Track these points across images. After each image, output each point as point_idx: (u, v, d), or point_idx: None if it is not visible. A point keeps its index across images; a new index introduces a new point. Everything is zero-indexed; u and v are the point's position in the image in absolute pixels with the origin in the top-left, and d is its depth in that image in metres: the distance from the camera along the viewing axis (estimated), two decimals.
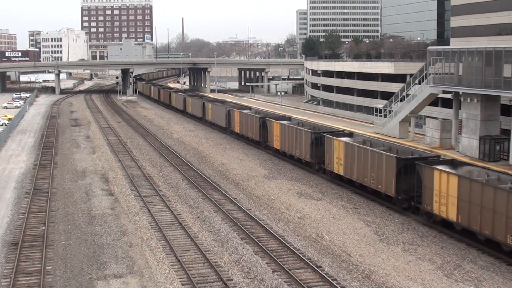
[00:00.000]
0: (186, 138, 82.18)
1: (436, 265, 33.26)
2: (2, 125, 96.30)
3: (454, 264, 33.46)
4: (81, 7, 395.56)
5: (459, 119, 58.68)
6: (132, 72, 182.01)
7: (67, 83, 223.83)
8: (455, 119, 59.81)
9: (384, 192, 44.77)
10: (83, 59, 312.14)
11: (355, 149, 48.73)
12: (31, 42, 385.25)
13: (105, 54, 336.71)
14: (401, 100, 66.46)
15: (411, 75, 71.32)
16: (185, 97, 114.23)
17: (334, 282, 30.64)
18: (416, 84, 64.13)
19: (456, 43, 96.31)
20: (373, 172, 45.97)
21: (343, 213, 43.82)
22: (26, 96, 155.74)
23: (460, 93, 57.29)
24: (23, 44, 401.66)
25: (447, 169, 39.16)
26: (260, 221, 41.50)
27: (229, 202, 47.21)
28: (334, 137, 53.06)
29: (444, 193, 37.73)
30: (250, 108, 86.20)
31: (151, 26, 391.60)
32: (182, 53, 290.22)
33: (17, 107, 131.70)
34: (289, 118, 71.00)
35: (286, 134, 62.61)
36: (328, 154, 53.52)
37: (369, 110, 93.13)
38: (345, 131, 59.28)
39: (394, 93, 71.00)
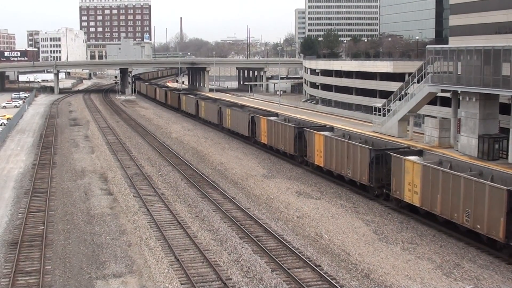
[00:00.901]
0: (185, 138, 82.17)
1: (435, 264, 33.27)
2: (1, 125, 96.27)
3: (453, 263, 33.48)
4: (80, 7, 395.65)
5: (458, 118, 58.75)
6: (130, 72, 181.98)
7: (66, 83, 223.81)
8: (454, 118, 59.87)
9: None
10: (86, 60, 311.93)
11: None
12: (30, 42, 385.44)
13: (104, 54, 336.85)
14: (399, 99, 66.54)
15: (409, 74, 71.35)
16: (197, 100, 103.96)
17: (333, 281, 30.64)
18: (415, 83, 64.20)
19: (454, 42, 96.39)
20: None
21: (342, 212, 43.83)
22: (25, 96, 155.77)
23: (459, 92, 57.36)
24: (21, 43, 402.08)
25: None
26: (259, 220, 41.50)
27: (228, 201, 47.20)
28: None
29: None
30: (277, 115, 76.51)
31: (149, 26, 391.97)
32: (180, 53, 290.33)
33: (16, 106, 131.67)
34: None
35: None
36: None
37: (368, 109, 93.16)
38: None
39: (393, 92, 71.08)
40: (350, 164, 48.86)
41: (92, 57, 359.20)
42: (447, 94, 61.66)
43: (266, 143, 68.09)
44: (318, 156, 54.76)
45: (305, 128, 58.86)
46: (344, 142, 50.58)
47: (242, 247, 36.11)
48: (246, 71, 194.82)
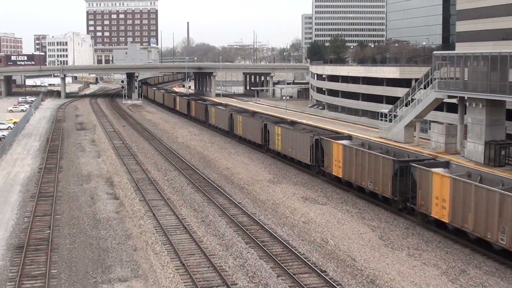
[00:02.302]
0: (191, 142, 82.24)
1: (441, 270, 33.19)
2: (7, 129, 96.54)
3: (459, 269, 33.40)
4: (87, 11, 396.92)
5: (464, 124, 58.56)
6: (137, 76, 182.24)
7: (73, 87, 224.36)
8: (460, 124, 59.69)
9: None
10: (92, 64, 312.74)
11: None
12: (37, 46, 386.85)
13: (111, 58, 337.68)
14: (406, 105, 66.36)
15: (416, 79, 71.21)
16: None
17: (338, 287, 30.60)
18: (421, 88, 63.99)
19: (461, 48, 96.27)
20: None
21: (348, 218, 43.78)
22: (32, 100, 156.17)
23: (465, 98, 57.17)
24: (28, 48, 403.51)
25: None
26: (264, 226, 41.49)
27: (233, 207, 47.21)
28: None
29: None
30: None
31: (156, 31, 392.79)
32: (187, 58, 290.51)
33: (22, 110, 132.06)
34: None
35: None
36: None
37: (374, 115, 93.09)
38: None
39: (399, 97, 70.93)
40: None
41: (99, 61, 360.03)
42: (454, 100, 61.48)
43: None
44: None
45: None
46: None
47: (248, 252, 36.11)
48: (252, 76, 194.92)
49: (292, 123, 72.96)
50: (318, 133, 61.24)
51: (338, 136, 59.66)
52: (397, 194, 43.51)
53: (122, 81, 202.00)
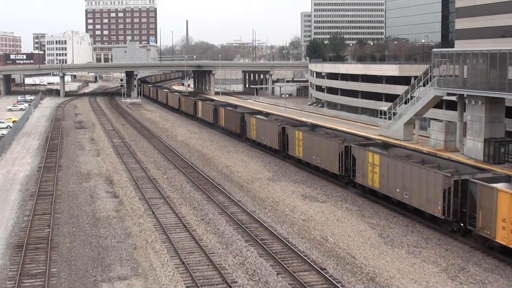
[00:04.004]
0: (191, 141, 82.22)
1: (441, 268, 33.22)
2: (7, 128, 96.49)
3: (459, 266, 33.42)
4: (86, 10, 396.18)
5: (464, 122, 58.63)
6: (136, 75, 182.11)
7: (72, 86, 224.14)
8: (460, 122, 59.76)
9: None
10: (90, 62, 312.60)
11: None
12: (36, 45, 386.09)
13: (110, 57, 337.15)
14: (405, 103, 66.40)
15: (415, 77, 71.22)
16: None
17: (338, 285, 30.62)
18: (421, 86, 64.07)
19: (460, 45, 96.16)
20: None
21: (348, 216, 43.79)
22: (31, 99, 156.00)
23: (465, 95, 57.21)
24: (27, 46, 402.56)
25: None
26: (264, 224, 41.50)
27: (233, 205, 47.22)
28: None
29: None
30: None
31: (155, 29, 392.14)
32: (186, 56, 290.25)
33: (21, 109, 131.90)
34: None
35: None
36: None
37: (373, 113, 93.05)
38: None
39: (399, 95, 70.96)
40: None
41: (98, 60, 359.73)
42: (453, 98, 61.54)
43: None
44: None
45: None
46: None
47: (248, 250, 36.12)
48: (251, 74, 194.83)
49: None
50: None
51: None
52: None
53: (121, 80, 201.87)
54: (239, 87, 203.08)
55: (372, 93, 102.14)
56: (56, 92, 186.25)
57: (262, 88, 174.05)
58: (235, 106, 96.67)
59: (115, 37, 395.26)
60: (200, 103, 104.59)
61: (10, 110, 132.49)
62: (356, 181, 49.99)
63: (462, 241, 37.38)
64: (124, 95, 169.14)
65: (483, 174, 39.52)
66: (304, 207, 46.16)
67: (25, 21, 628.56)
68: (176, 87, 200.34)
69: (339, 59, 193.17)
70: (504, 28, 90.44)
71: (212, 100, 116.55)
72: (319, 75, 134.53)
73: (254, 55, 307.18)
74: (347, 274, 32.42)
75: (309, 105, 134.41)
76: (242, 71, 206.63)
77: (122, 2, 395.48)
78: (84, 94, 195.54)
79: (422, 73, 64.55)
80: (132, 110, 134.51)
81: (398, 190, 43.57)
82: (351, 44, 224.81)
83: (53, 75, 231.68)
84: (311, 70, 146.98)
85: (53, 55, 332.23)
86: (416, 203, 41.60)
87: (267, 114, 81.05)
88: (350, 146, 51.12)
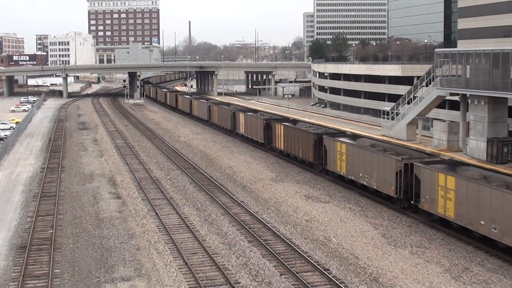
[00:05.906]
0: (194, 141, 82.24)
1: (444, 268, 33.18)
2: (10, 129, 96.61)
3: (462, 266, 33.38)
4: (88, 11, 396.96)
5: (467, 121, 58.54)
6: (139, 76, 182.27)
7: (75, 87, 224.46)
8: (463, 121, 59.66)
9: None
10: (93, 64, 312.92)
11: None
12: (39, 46, 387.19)
13: (113, 58, 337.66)
14: (408, 103, 66.31)
15: (418, 77, 71.15)
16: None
17: (342, 285, 30.60)
18: (423, 86, 63.95)
19: (463, 45, 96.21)
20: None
21: (351, 216, 43.77)
22: (34, 100, 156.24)
23: (468, 95, 57.12)
24: (30, 48, 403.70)
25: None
26: (267, 224, 41.50)
27: (236, 205, 47.21)
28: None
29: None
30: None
31: (158, 30, 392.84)
32: (189, 57, 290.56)
33: (24, 110, 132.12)
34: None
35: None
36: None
37: (376, 113, 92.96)
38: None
39: (401, 95, 70.88)
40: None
41: (101, 61, 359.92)
42: (456, 98, 61.45)
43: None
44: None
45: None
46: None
47: (251, 251, 36.11)
48: (254, 75, 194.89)
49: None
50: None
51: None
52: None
53: (124, 81, 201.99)
54: (242, 88, 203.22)
55: (375, 93, 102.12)
56: (59, 93, 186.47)
57: (264, 88, 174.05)
58: (255, 111, 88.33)
59: (117, 38, 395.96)
60: (215, 108, 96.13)
61: (13, 111, 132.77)
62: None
63: (465, 241, 37.33)
64: (126, 96, 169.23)
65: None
66: (307, 208, 46.15)
67: (28, 22, 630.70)
68: (179, 88, 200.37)
69: (342, 59, 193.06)
70: (507, 28, 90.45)
71: (228, 104, 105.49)
72: (321, 75, 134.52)
73: (256, 56, 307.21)
74: (350, 275, 32.40)
75: (312, 105, 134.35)
76: (245, 72, 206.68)
77: (124, 3, 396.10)
78: (87, 95, 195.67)
79: (425, 73, 64.45)
80: (135, 111, 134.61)
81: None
82: (353, 44, 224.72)
83: (56, 76, 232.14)
84: (313, 71, 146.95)
85: (56, 56, 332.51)
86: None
87: (295, 122, 71.60)
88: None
